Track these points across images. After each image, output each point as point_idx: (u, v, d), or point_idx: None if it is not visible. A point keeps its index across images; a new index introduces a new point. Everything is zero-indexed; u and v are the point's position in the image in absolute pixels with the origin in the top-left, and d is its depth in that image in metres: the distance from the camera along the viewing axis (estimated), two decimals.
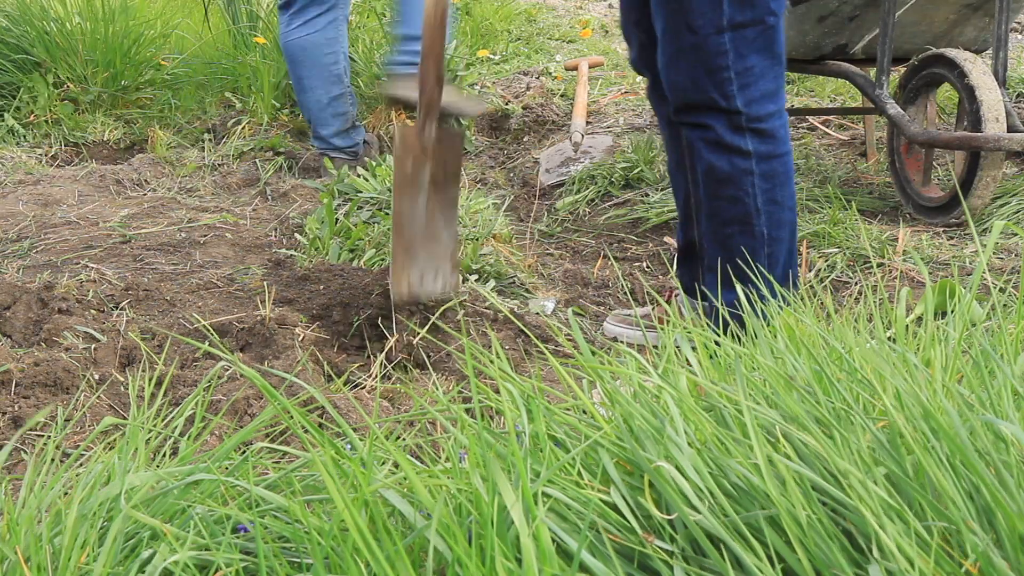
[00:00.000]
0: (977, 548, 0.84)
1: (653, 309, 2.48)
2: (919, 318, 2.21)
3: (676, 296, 2.49)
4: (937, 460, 0.93)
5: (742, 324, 1.63)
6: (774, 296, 1.80)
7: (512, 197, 3.65)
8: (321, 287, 2.55)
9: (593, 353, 1.32)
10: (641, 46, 2.27)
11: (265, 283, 2.60)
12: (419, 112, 2.29)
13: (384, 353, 2.25)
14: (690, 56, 2.02)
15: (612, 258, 3.01)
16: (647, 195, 3.48)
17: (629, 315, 2.52)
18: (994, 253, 2.80)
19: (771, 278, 1.85)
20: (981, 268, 1.36)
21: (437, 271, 2.31)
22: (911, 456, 0.95)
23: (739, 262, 2.07)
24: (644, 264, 3.03)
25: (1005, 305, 2.12)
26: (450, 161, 2.33)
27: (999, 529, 0.89)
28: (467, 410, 1.20)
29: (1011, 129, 2.92)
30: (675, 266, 2.50)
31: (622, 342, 2.44)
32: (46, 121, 4.27)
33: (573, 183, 3.65)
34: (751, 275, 2.02)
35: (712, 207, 2.14)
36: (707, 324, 1.53)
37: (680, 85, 2.07)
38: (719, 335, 1.38)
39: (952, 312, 1.40)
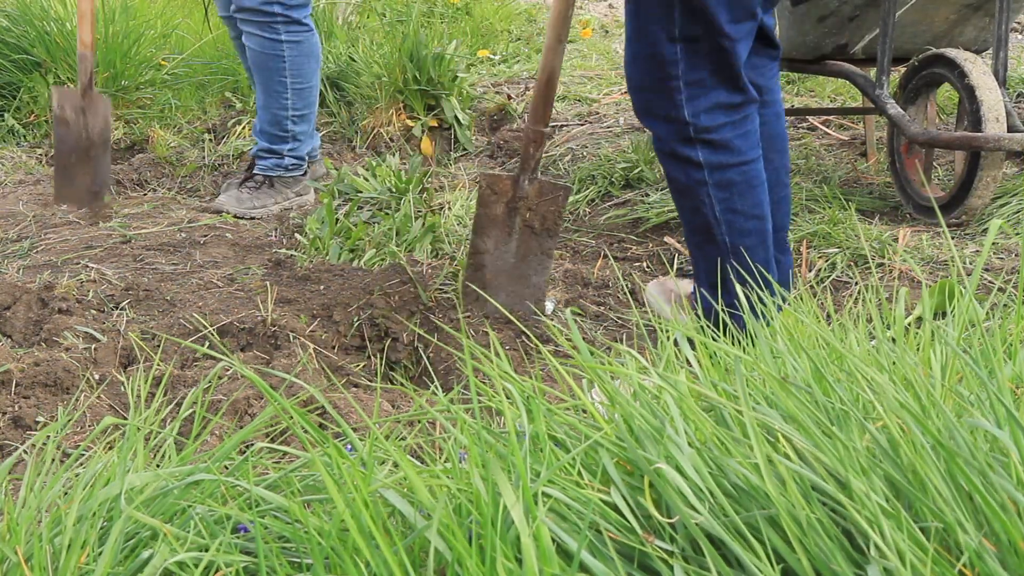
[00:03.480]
0: (970, 547, 0.85)
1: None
2: (919, 318, 2.21)
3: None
4: (933, 462, 0.94)
5: (741, 326, 1.64)
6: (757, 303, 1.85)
7: None
8: (321, 287, 2.56)
9: (592, 354, 1.32)
10: None
11: (266, 283, 2.60)
12: (520, 163, 2.54)
13: (384, 353, 2.25)
14: (646, 62, 2.03)
15: (612, 258, 3.02)
16: (647, 195, 3.48)
17: (671, 289, 2.52)
18: (994, 253, 2.80)
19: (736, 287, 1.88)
20: (980, 267, 1.36)
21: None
22: (907, 458, 0.95)
23: (712, 270, 2.09)
24: (644, 264, 3.03)
25: (1005, 305, 2.12)
26: (549, 213, 2.51)
27: (996, 530, 0.89)
28: (467, 410, 1.20)
29: (1011, 129, 2.92)
30: None
31: (653, 308, 2.50)
32: (46, 121, 4.27)
33: (573, 183, 3.65)
34: (731, 281, 2.04)
35: (680, 215, 2.17)
36: (709, 327, 1.54)
37: (636, 88, 2.09)
38: (718, 336, 1.38)
39: (951, 312, 1.40)
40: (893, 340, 1.35)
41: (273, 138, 3.44)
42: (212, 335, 2.25)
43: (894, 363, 1.15)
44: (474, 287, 2.48)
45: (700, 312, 2.07)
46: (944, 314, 2.21)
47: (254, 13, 3.26)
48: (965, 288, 1.42)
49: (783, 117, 2.30)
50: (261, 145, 3.47)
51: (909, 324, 1.78)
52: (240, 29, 3.39)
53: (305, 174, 3.54)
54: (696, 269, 2.19)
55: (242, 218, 3.37)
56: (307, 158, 3.55)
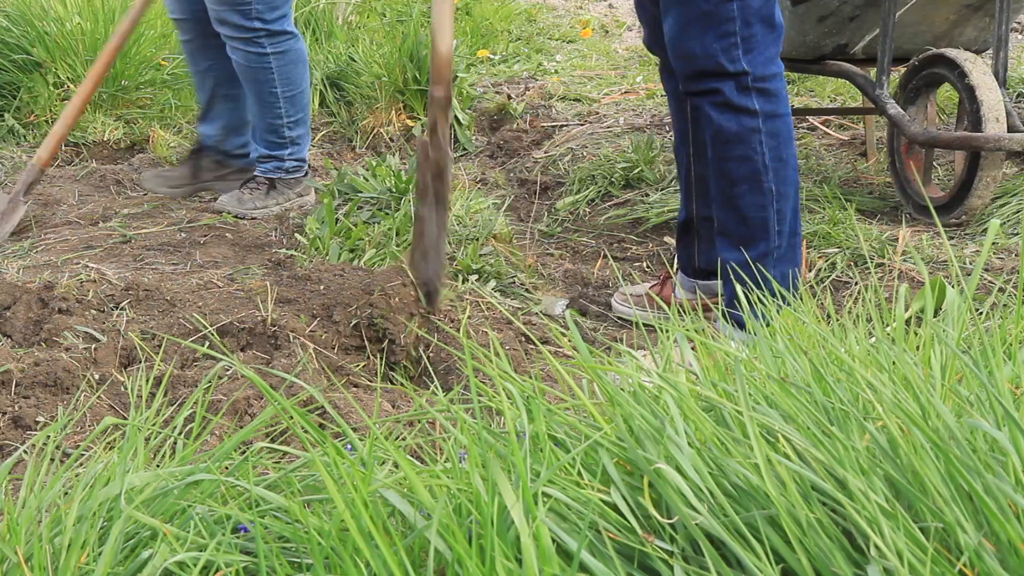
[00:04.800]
0: (969, 547, 0.85)
1: (651, 287, 2.67)
2: (917, 317, 2.21)
3: (677, 275, 2.59)
4: (932, 463, 0.94)
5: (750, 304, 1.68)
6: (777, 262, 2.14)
7: (512, 197, 3.65)
8: (321, 287, 2.55)
9: (592, 354, 1.32)
10: (655, 26, 2.39)
11: (266, 283, 2.60)
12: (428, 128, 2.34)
13: (384, 353, 2.25)
14: (702, 23, 2.16)
15: (612, 258, 3.02)
16: (647, 195, 3.48)
17: (634, 295, 2.63)
18: (994, 253, 2.80)
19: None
20: (979, 267, 1.36)
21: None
22: (907, 458, 0.95)
23: (750, 222, 2.21)
24: (644, 264, 3.03)
25: (1005, 305, 2.12)
26: (436, 179, 2.34)
27: (996, 530, 0.89)
28: (467, 410, 1.20)
29: (1011, 129, 2.92)
30: (675, 243, 2.63)
31: (627, 319, 2.60)
32: (46, 121, 4.27)
33: (573, 183, 3.65)
34: (765, 234, 2.20)
35: (721, 169, 2.25)
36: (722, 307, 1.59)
37: (691, 53, 2.20)
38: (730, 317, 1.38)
39: (947, 311, 1.40)
40: (892, 340, 1.35)
41: (272, 144, 3.44)
42: (212, 335, 2.25)
43: (894, 363, 1.15)
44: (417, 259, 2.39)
45: (730, 270, 2.17)
46: (937, 311, 2.22)
47: (236, 29, 3.23)
48: (964, 288, 1.42)
49: None
50: (260, 152, 3.47)
51: (909, 320, 1.78)
52: (190, 33, 3.38)
53: (306, 175, 3.55)
54: (724, 227, 2.27)
55: (242, 218, 3.37)
56: (307, 159, 3.55)
